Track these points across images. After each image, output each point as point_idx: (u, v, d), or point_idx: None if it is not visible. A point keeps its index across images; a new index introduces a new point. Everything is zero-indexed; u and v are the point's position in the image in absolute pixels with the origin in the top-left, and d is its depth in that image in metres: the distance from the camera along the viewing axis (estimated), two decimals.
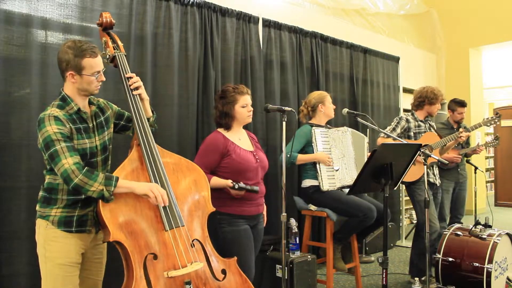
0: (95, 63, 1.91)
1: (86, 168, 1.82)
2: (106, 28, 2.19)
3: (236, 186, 2.32)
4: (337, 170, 3.23)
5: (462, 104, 4.36)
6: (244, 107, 2.53)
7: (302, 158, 3.21)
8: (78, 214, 1.94)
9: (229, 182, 2.35)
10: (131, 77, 2.09)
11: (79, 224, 1.94)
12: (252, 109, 2.58)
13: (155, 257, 1.87)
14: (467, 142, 4.41)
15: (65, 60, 1.88)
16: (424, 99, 3.75)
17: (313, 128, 3.25)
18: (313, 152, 3.21)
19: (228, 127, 2.54)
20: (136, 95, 2.08)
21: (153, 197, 1.85)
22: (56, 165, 1.79)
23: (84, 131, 1.95)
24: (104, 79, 1.98)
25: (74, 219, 1.92)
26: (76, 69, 1.88)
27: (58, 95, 1.96)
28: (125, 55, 2.17)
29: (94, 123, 2.01)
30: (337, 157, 3.26)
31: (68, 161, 1.78)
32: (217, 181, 2.39)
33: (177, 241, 1.92)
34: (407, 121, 3.71)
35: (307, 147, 3.27)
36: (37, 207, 1.96)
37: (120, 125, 2.20)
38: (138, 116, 2.04)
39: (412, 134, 3.69)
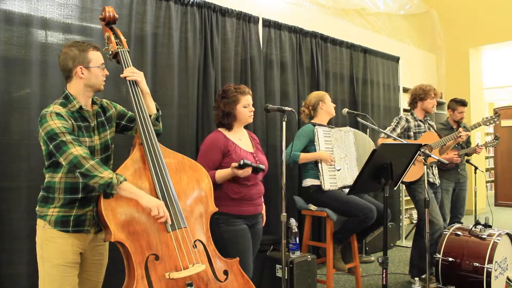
0: (99, 56, 1.98)
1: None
2: (109, 23, 2.17)
3: (241, 162, 2.26)
4: (339, 170, 3.23)
5: (463, 103, 4.36)
6: (246, 107, 2.52)
7: (304, 156, 3.21)
8: (76, 214, 1.93)
9: (233, 164, 2.30)
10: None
11: (77, 224, 1.93)
12: (253, 109, 2.58)
13: (157, 258, 1.87)
14: (467, 142, 4.41)
15: (71, 57, 1.90)
16: (415, 96, 3.80)
17: (316, 127, 3.25)
18: (315, 151, 3.21)
19: (229, 127, 2.53)
20: (138, 92, 2.07)
21: (156, 215, 1.85)
22: (63, 154, 1.79)
23: (85, 129, 1.95)
24: (107, 73, 2.02)
25: (71, 219, 1.92)
26: (84, 63, 1.91)
27: (59, 95, 1.96)
28: (128, 51, 2.16)
29: (95, 122, 2.01)
30: (339, 157, 3.26)
31: (77, 149, 1.80)
32: (221, 172, 2.38)
33: (179, 242, 1.91)
34: (407, 120, 3.71)
35: (309, 146, 3.26)
36: (37, 207, 1.96)
37: (121, 125, 2.19)
38: (141, 115, 2.03)
39: (412, 133, 3.69)
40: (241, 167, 2.28)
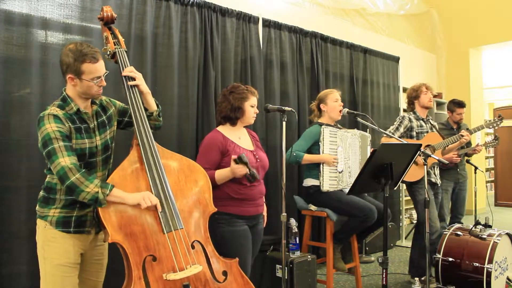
0: (95, 69, 1.87)
1: (84, 169, 1.82)
2: (107, 22, 2.16)
3: (241, 157, 2.23)
4: (341, 172, 3.21)
5: (461, 104, 4.37)
6: (252, 106, 2.55)
7: (308, 158, 3.19)
8: (77, 214, 1.93)
9: (233, 156, 2.28)
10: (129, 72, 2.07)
11: (78, 224, 1.93)
12: (257, 111, 2.59)
13: (154, 259, 1.86)
14: (468, 143, 4.41)
15: (65, 64, 1.87)
16: (409, 98, 3.85)
17: (323, 127, 3.22)
18: (319, 151, 3.19)
19: (234, 122, 2.54)
20: (135, 93, 2.05)
21: (145, 207, 1.84)
22: (52, 163, 1.78)
23: (85, 131, 1.94)
24: (104, 84, 1.95)
25: (72, 220, 1.92)
26: (76, 73, 1.86)
27: (59, 95, 1.96)
28: (125, 51, 2.15)
29: (95, 122, 2.00)
30: (342, 159, 3.24)
31: (65, 160, 1.77)
32: (221, 172, 2.37)
33: (175, 243, 1.90)
34: (410, 120, 3.71)
35: (313, 147, 3.25)
36: (37, 207, 1.96)
37: (124, 121, 2.18)
38: (137, 116, 2.02)
39: (414, 134, 3.69)
40: (239, 160, 2.24)
